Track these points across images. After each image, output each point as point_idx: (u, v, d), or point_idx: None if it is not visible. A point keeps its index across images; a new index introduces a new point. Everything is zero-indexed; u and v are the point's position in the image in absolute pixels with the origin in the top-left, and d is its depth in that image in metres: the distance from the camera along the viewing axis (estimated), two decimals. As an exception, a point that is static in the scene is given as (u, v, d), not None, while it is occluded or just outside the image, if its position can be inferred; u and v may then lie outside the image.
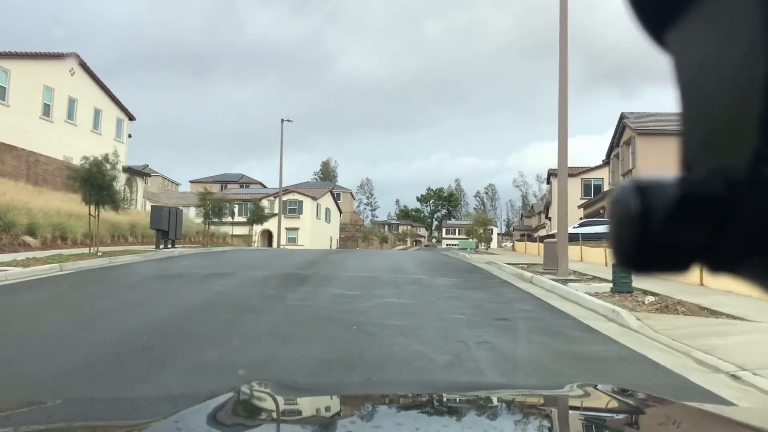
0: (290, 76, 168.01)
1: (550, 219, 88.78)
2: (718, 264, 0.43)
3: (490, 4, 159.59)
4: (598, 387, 1.91)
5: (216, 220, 36.82)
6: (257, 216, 45.29)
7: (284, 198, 63.87)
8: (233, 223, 56.44)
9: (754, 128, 0.39)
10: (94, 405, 2.17)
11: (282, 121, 51.69)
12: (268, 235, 65.29)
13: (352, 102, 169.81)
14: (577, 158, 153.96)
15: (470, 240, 60.22)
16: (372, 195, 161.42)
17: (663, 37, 0.48)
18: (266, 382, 1.89)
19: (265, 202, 65.33)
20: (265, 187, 79.41)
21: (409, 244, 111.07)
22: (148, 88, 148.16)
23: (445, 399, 1.91)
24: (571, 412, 1.75)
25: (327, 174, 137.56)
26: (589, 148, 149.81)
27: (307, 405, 1.83)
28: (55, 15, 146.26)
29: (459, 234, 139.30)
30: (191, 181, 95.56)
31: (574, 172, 48.50)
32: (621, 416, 1.70)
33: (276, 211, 62.94)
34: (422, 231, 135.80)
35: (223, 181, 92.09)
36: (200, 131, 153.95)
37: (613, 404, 1.78)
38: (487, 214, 47.93)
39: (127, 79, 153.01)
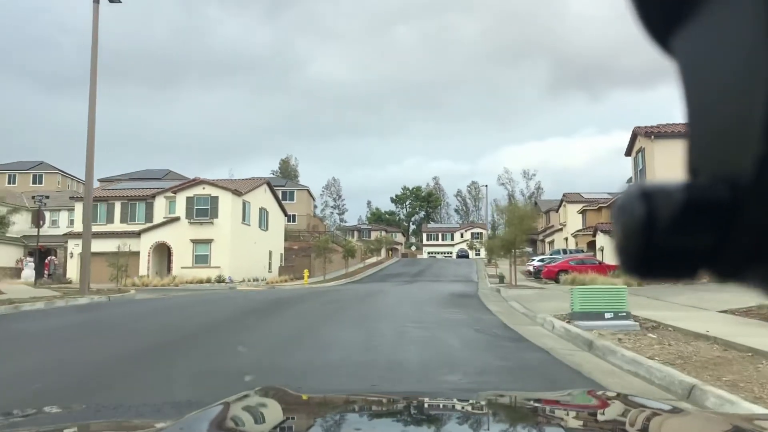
0: (259, 83, 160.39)
1: (563, 225, 67.05)
2: (724, 270, 0.43)
3: (460, 11, 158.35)
4: (599, 392, 2.05)
5: None
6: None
7: (189, 193, 40.58)
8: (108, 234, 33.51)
9: (759, 133, 0.39)
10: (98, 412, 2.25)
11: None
12: (165, 252, 41.91)
13: (323, 108, 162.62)
14: (550, 160, 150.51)
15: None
16: (340, 197, 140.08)
17: (668, 43, 0.48)
18: (271, 388, 1.94)
19: (161, 201, 41.86)
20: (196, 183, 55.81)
21: (383, 255, 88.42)
22: (113, 97, 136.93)
23: (451, 403, 1.98)
24: (573, 415, 1.75)
25: (287, 173, 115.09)
26: (559, 150, 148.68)
27: (311, 410, 1.84)
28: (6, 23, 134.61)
29: (443, 240, 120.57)
30: (100, 180, 71.77)
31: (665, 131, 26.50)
32: (623, 421, 1.66)
33: (176, 213, 39.70)
34: (399, 237, 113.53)
35: (145, 178, 68.24)
36: (166, 140, 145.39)
37: (615, 409, 1.78)
38: (517, 206, 24.41)
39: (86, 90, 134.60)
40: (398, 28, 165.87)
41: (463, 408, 1.83)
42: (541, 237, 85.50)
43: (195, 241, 41.03)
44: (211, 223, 40.98)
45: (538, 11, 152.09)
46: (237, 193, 41.88)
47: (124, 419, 1.78)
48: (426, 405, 1.88)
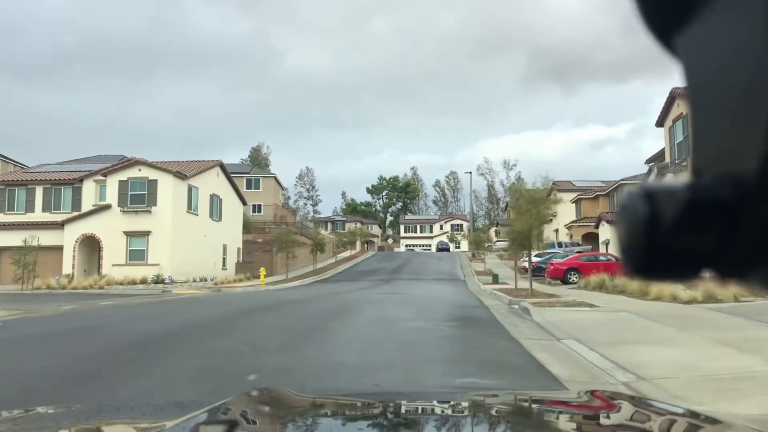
0: (235, 74, 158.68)
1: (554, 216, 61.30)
2: (728, 270, 0.43)
3: (437, 3, 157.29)
4: (607, 392, 2.02)
5: None
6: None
7: (122, 176, 33.82)
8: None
9: (764, 133, 0.39)
10: (100, 412, 2.08)
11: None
12: (95, 247, 35.14)
13: (300, 100, 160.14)
14: (526, 153, 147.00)
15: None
16: (313, 187, 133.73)
17: (671, 42, 0.48)
18: (273, 388, 1.96)
19: (89, 185, 34.98)
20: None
21: (359, 248, 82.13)
22: (87, 87, 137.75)
23: (455, 404, 1.93)
24: (579, 416, 1.74)
25: (257, 162, 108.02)
26: (536, 143, 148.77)
27: (313, 410, 1.81)
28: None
29: (421, 232, 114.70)
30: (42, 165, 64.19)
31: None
32: (630, 422, 1.63)
33: (107, 200, 32.98)
34: (375, 229, 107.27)
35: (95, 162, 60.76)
36: (141, 131, 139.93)
37: (621, 410, 1.75)
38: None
39: (63, 78, 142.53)
40: (375, 19, 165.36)
41: (468, 409, 1.81)
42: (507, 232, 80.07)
43: (129, 234, 34.22)
44: (149, 211, 34.17)
45: (514, 4, 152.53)
46: (180, 176, 35.09)
47: (127, 419, 1.85)
48: (430, 406, 1.88)
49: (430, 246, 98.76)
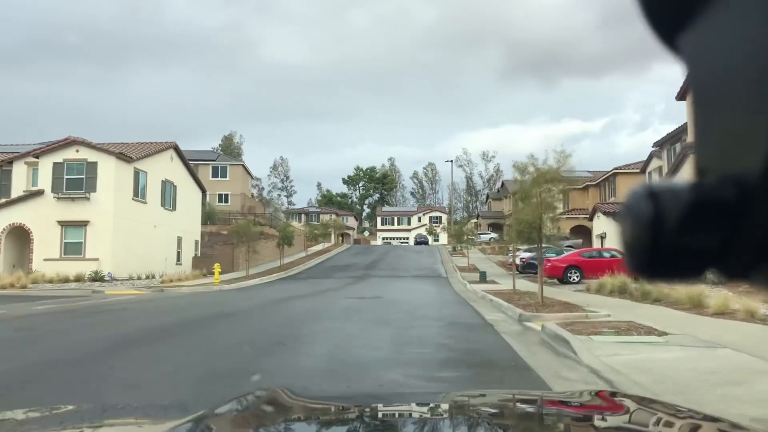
0: (211, 64, 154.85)
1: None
2: (732, 270, 0.43)
3: None
4: (610, 393, 2.06)
5: None
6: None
7: (57, 157, 29.44)
8: None
9: (767, 133, 0.39)
10: (104, 412, 2.09)
11: None
12: (26, 239, 30.67)
13: (277, 91, 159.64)
14: (503, 147, 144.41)
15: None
16: (288, 178, 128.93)
17: (675, 42, 0.48)
18: (275, 389, 1.89)
19: (20, 168, 30.48)
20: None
21: (333, 240, 78.15)
22: (60, 77, 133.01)
23: (458, 404, 1.92)
24: (581, 416, 1.74)
25: (230, 152, 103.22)
26: (513, 137, 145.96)
27: (315, 412, 1.79)
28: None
29: (399, 224, 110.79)
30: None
31: None
32: (633, 423, 1.62)
33: (39, 185, 28.62)
34: (351, 221, 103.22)
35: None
36: (116, 120, 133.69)
37: (625, 410, 1.73)
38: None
39: (35, 67, 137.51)
40: (353, 11, 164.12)
41: (471, 410, 1.79)
42: (509, 222, 76.51)
43: (64, 224, 29.73)
44: (87, 198, 29.71)
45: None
46: (124, 158, 30.63)
47: (130, 419, 1.87)
48: (432, 406, 1.84)
49: (407, 239, 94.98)
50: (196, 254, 39.75)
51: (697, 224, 0.42)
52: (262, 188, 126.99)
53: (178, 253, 37.10)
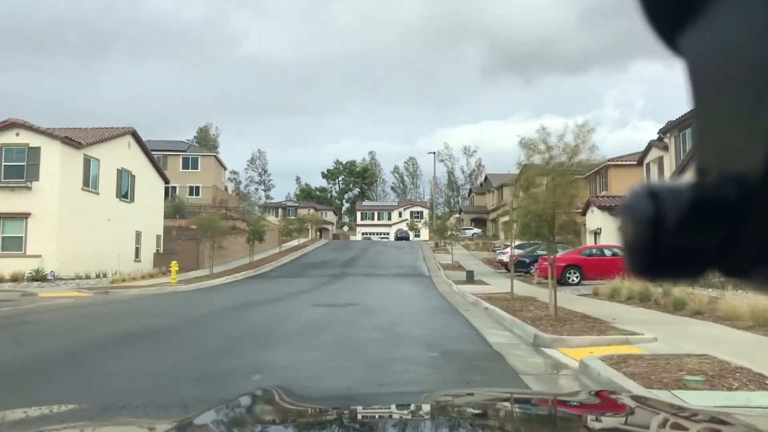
0: (191, 58, 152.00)
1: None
2: (732, 270, 0.43)
3: None
4: (608, 393, 1.96)
5: None
6: None
7: (-7, 141, 26.15)
8: None
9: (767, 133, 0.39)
10: (104, 412, 2.09)
11: None
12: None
13: (257, 86, 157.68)
14: (484, 143, 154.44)
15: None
16: (266, 171, 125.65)
17: (675, 42, 0.48)
18: (276, 388, 1.87)
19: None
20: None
21: (311, 235, 75.21)
22: (36, 69, 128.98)
23: (460, 405, 1.87)
24: (578, 415, 1.73)
25: (205, 143, 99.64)
26: (493, 133, 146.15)
27: (315, 412, 1.78)
28: None
29: (379, 219, 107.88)
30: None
31: None
32: (630, 422, 1.62)
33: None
34: (330, 215, 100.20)
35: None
36: (93, 113, 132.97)
37: (623, 410, 1.73)
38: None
39: (7, 58, 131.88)
40: (334, 5, 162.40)
41: (473, 410, 1.76)
42: (493, 216, 73.93)
43: (2, 216, 26.46)
44: (28, 187, 26.45)
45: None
46: (72, 143, 27.38)
47: (131, 418, 1.82)
48: (433, 406, 1.83)
49: (388, 234, 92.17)
50: (158, 250, 36.56)
51: (698, 224, 0.42)
52: (240, 182, 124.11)
53: (137, 249, 33.89)
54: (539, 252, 28.41)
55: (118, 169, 31.78)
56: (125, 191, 32.70)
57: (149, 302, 17.75)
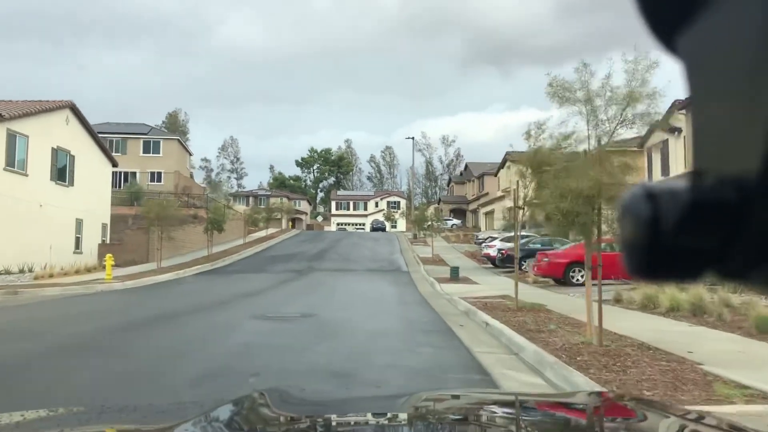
0: (166, 46, 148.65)
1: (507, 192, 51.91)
2: (730, 271, 0.43)
3: None
4: (607, 393, 1.95)
5: None
6: None
7: None
8: None
9: (765, 134, 0.39)
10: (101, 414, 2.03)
11: None
12: None
13: (233, 75, 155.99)
14: (461, 134, 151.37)
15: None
16: (238, 159, 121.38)
17: (673, 43, 0.48)
18: (274, 390, 1.90)
19: None
20: None
21: (284, 225, 71.53)
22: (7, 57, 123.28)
23: (461, 406, 1.90)
24: (580, 417, 1.72)
25: (174, 128, 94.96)
26: (471, 125, 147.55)
27: (313, 414, 1.79)
28: None
29: (355, 209, 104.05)
30: None
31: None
32: (629, 423, 1.63)
33: None
34: (303, 205, 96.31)
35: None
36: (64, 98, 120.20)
37: (622, 411, 1.73)
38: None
39: None
40: None
41: (475, 411, 1.76)
42: (473, 207, 70.60)
43: None
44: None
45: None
46: (-10, 115, 23.26)
47: (128, 421, 1.85)
48: (433, 407, 1.81)
49: (363, 225, 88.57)
50: (104, 240, 32.52)
51: (696, 225, 0.42)
52: (212, 170, 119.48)
53: (78, 240, 29.84)
54: (532, 246, 25.01)
55: (53, 148, 27.66)
56: (62, 173, 28.61)
57: (51, 308, 13.95)
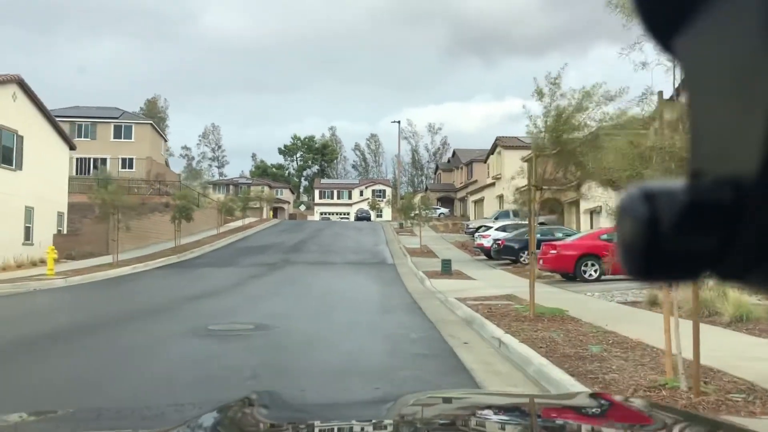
0: (148, 33, 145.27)
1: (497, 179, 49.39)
2: (728, 272, 0.43)
3: None
4: (608, 396, 1.94)
5: None
6: None
7: None
8: None
9: (763, 134, 0.39)
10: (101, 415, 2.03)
11: None
12: None
13: (217, 63, 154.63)
14: (447, 124, 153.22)
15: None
16: (219, 147, 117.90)
17: (670, 44, 0.47)
18: (272, 392, 1.91)
19: None
20: None
21: (265, 214, 68.87)
22: None
23: (462, 406, 1.85)
24: (581, 418, 1.68)
25: (152, 115, 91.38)
26: (456, 114, 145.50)
27: (311, 416, 1.76)
28: None
29: (339, 198, 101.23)
30: None
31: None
32: (631, 425, 1.59)
33: None
34: (286, 194, 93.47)
35: None
36: (46, 88, 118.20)
37: (623, 413, 1.68)
38: None
39: None
40: None
41: (476, 412, 1.71)
42: (461, 195, 68.09)
43: None
44: None
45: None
46: None
47: (126, 424, 1.83)
48: (432, 408, 1.76)
49: (348, 214, 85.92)
50: (59, 231, 29.59)
51: (693, 226, 0.42)
52: (192, 158, 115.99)
53: (27, 230, 26.88)
54: (520, 234, 22.61)
55: (-5, 129, 24.67)
56: (8, 156, 25.61)
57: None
